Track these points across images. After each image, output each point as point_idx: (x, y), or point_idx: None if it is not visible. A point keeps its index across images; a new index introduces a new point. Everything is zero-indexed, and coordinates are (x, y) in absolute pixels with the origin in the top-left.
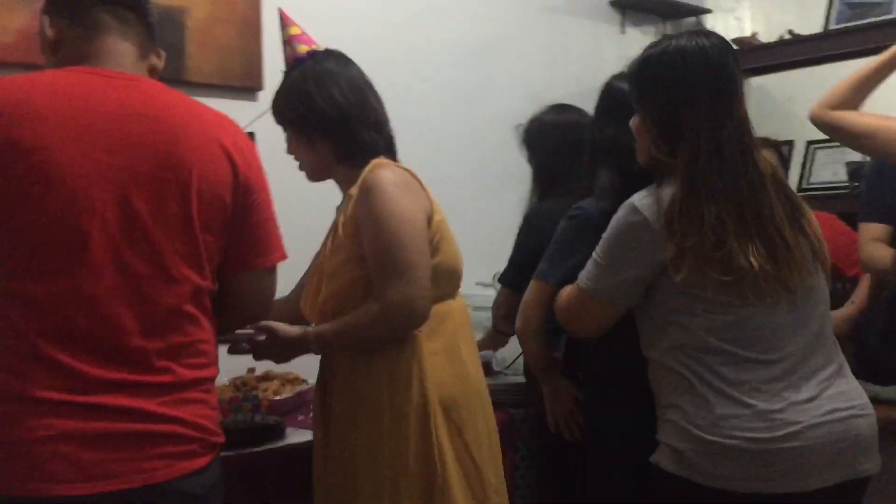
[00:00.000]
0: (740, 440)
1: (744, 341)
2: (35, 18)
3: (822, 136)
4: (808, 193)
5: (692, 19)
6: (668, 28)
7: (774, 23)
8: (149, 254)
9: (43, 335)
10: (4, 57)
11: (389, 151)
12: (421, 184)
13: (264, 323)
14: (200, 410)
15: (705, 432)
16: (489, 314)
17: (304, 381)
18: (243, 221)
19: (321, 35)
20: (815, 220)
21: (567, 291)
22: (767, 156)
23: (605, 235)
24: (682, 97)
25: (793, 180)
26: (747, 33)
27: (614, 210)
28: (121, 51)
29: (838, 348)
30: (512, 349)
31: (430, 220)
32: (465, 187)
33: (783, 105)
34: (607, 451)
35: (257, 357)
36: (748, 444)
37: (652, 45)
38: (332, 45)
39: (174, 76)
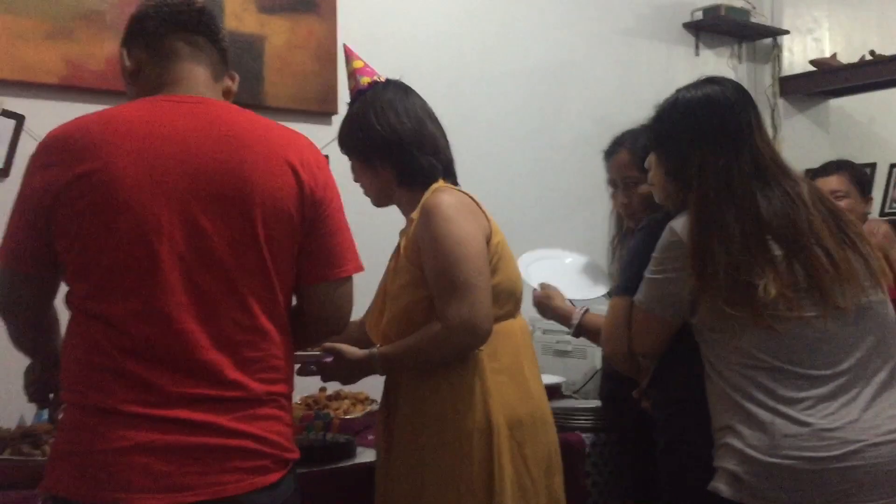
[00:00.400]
0: (798, 460)
1: (795, 357)
2: None
3: None
4: (891, 217)
5: (768, 41)
6: (744, 50)
7: (855, 43)
8: (216, 271)
9: (123, 351)
10: (94, 84)
11: (449, 176)
12: (480, 206)
13: (330, 345)
14: (273, 426)
15: (762, 454)
16: (559, 338)
17: (374, 401)
18: (313, 234)
19: (394, 63)
20: (871, 239)
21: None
22: (836, 182)
23: (653, 252)
24: (690, 143)
25: (875, 204)
26: (827, 54)
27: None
28: (194, 76)
29: None
30: (581, 373)
31: (488, 241)
32: (537, 211)
33: (864, 127)
34: (685, 454)
35: (325, 378)
36: (806, 465)
37: (665, 100)
38: (406, 72)
39: (253, 101)
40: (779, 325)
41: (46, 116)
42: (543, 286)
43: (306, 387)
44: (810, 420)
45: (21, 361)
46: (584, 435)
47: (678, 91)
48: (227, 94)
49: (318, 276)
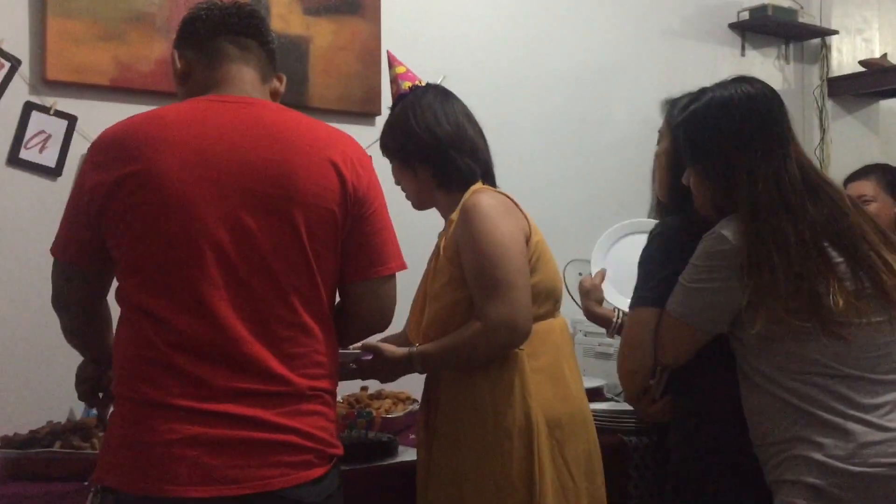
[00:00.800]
0: (887, 467)
1: (866, 363)
2: (172, 49)
3: None
4: None
5: (816, 41)
6: (791, 50)
7: None
8: (260, 268)
9: (170, 345)
10: (144, 85)
11: (488, 178)
12: (519, 206)
13: (369, 342)
14: (317, 422)
15: (847, 463)
16: (600, 340)
17: (415, 400)
18: (357, 233)
19: (437, 64)
20: None
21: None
22: (863, 187)
23: (691, 260)
24: (735, 146)
25: None
26: (876, 55)
27: (696, 223)
28: (242, 77)
29: None
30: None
31: (527, 240)
32: (581, 213)
33: None
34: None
35: (364, 377)
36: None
37: (694, 98)
38: (449, 73)
39: (298, 102)
40: (848, 333)
41: (98, 117)
42: (597, 275)
43: (348, 386)
44: (893, 425)
45: (71, 357)
46: (626, 438)
47: (708, 90)
48: (274, 94)
49: (361, 274)
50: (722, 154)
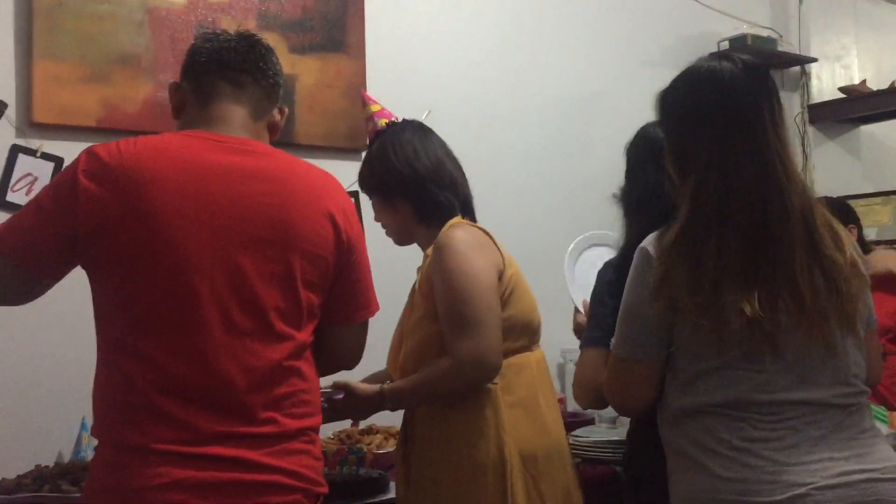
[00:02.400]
0: None
1: (744, 401)
2: (158, 90)
3: None
4: None
5: (796, 69)
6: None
7: (885, 69)
8: (254, 311)
9: (158, 390)
10: (130, 126)
11: (467, 213)
12: (493, 240)
13: (341, 381)
14: (304, 461)
15: (702, 500)
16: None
17: None
18: (344, 279)
19: (422, 99)
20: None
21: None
22: None
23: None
24: (690, 122)
25: None
26: (856, 81)
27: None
28: (232, 116)
29: (870, 412)
30: None
31: (501, 275)
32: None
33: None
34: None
35: (337, 417)
36: None
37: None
38: (434, 107)
39: (284, 139)
40: (725, 366)
41: None
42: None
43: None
44: (757, 463)
45: (58, 400)
46: (617, 469)
47: (697, 60)
48: (272, 127)
49: (344, 318)
50: (679, 129)
